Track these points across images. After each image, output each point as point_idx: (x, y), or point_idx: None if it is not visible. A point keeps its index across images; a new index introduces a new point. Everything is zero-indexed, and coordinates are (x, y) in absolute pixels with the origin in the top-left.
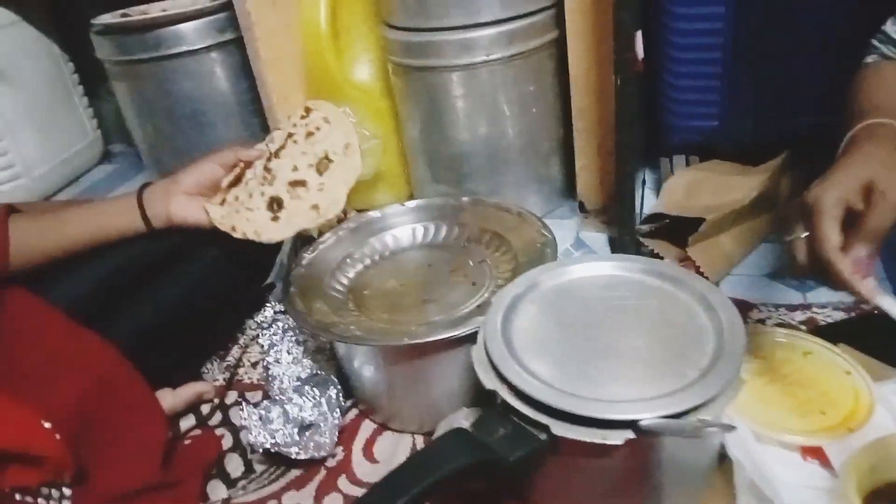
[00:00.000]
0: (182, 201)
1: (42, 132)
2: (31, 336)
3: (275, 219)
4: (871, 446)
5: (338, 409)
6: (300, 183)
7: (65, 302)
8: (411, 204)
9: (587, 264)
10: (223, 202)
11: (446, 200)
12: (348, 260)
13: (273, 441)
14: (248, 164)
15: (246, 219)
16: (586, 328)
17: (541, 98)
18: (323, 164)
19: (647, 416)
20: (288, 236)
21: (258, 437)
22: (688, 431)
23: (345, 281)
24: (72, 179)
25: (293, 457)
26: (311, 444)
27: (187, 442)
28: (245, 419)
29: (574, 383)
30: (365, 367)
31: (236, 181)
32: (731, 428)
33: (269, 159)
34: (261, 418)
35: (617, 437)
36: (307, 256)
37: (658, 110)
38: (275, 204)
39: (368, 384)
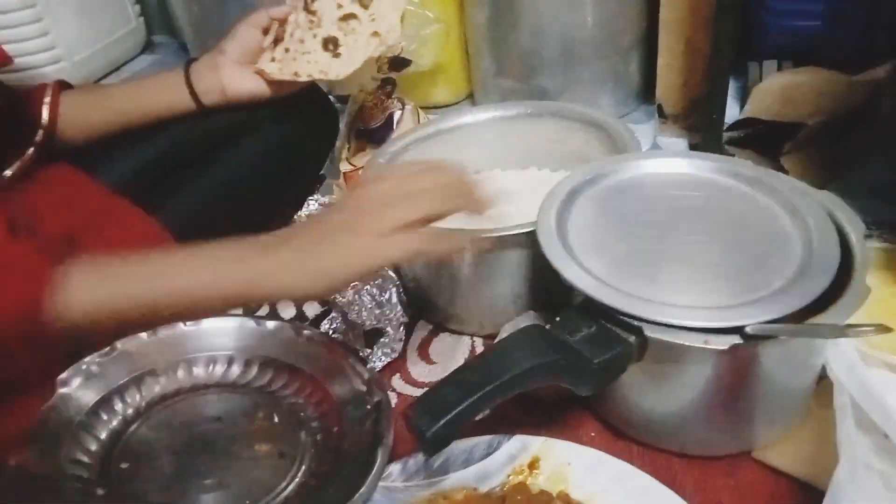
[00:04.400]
0: (234, 71)
1: (83, 15)
2: (77, 211)
3: (336, 55)
4: None
5: (399, 307)
6: (351, 16)
7: (112, 180)
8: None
9: (654, 160)
10: (273, 60)
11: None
12: (101, 409)
13: None
14: (283, 22)
15: (306, 61)
16: (652, 229)
17: None
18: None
19: (754, 321)
20: (356, 67)
21: None
22: (800, 334)
23: (92, 446)
24: (114, 67)
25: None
26: (380, 351)
27: None
28: None
29: (652, 290)
30: (422, 265)
31: (277, 41)
32: (847, 331)
33: (305, 7)
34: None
35: (721, 342)
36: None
37: (751, 7)
38: (330, 44)
39: (425, 283)
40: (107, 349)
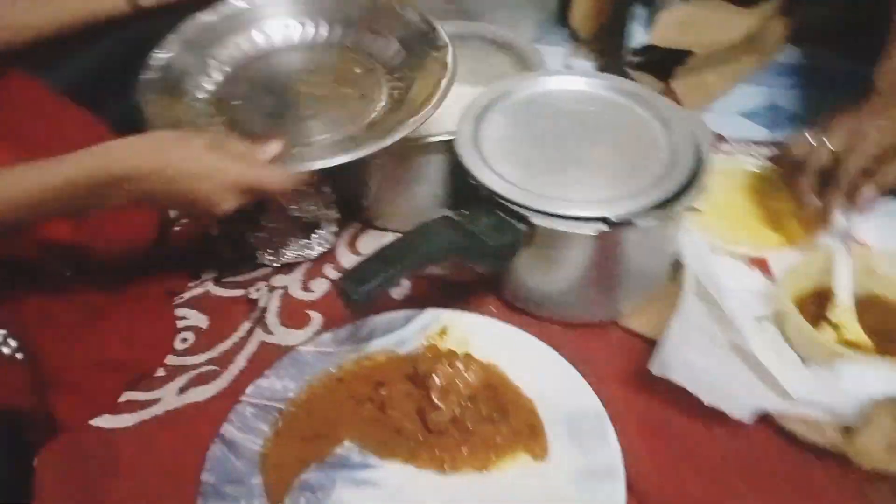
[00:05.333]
0: None
1: None
2: (33, 116)
3: None
4: (808, 258)
5: (333, 204)
6: None
7: (59, 84)
8: None
9: (557, 79)
10: None
11: None
12: (209, 62)
13: (285, 258)
14: None
15: None
16: (554, 139)
17: None
18: None
19: (616, 212)
20: None
21: (271, 260)
22: (653, 221)
23: (207, 89)
24: None
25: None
26: (315, 242)
27: (177, 228)
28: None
29: (544, 188)
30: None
31: None
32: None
33: None
34: (269, 243)
35: (590, 229)
36: (159, 58)
37: None
38: None
39: (355, 185)
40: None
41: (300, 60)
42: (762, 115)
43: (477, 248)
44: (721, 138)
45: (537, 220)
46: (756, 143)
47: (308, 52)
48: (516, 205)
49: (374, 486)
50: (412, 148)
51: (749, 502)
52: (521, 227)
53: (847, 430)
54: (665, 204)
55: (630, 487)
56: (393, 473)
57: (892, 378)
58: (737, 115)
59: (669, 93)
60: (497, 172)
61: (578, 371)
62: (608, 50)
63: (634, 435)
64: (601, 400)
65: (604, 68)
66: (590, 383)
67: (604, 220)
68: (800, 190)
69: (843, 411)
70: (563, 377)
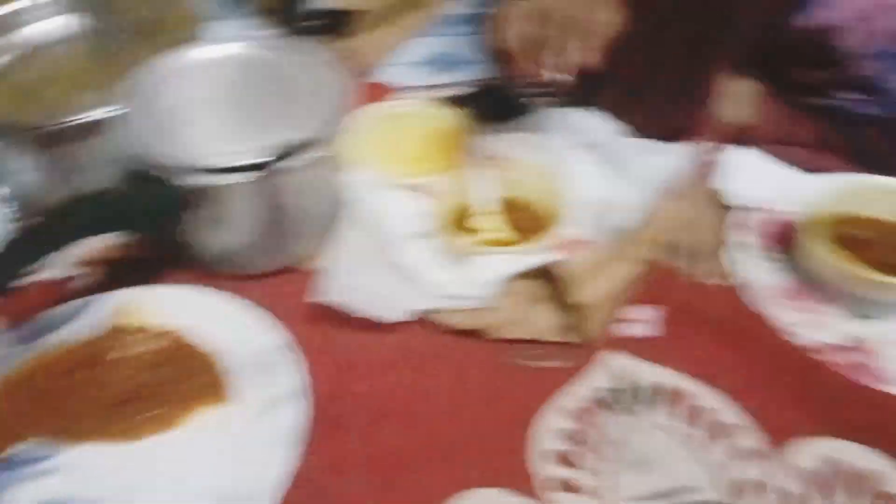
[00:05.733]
0: None
1: None
2: None
3: None
4: (457, 178)
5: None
6: None
7: None
8: None
9: (220, 46)
10: None
11: None
12: None
13: None
14: None
15: None
16: (216, 102)
17: None
18: None
19: (262, 160)
20: None
21: None
22: (300, 162)
23: None
24: None
25: None
26: None
27: None
28: None
29: (203, 148)
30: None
31: None
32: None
33: None
34: None
35: (242, 178)
36: None
37: None
38: None
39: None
40: None
41: (74, 50)
42: (433, 62)
43: (134, 217)
44: (394, 87)
45: (190, 178)
46: (424, 87)
47: (83, 42)
48: (168, 168)
49: (54, 474)
50: (75, 129)
51: (417, 383)
52: (178, 188)
53: (483, 311)
54: (311, 146)
55: (317, 404)
56: (76, 457)
57: (514, 262)
58: (409, 65)
59: (348, 51)
60: (156, 142)
61: (269, 315)
62: (286, 19)
63: (321, 358)
64: (291, 335)
65: (282, 36)
66: (281, 324)
67: (251, 166)
68: (511, 46)
69: (479, 296)
70: (249, 323)
